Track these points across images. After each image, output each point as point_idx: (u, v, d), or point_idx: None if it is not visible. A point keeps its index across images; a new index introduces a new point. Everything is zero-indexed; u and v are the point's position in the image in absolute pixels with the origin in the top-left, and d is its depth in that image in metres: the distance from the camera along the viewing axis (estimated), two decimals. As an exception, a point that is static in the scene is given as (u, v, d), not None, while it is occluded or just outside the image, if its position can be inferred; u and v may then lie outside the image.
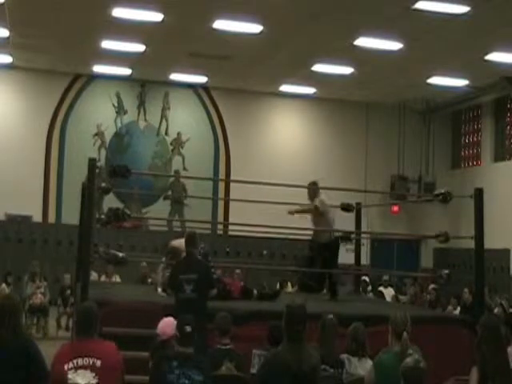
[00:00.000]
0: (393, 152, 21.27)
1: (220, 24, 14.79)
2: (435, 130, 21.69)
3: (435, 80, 18.37)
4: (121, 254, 8.89)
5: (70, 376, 4.64)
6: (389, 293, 15.60)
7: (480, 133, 21.08)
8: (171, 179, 20.64)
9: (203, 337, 6.49)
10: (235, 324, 6.83)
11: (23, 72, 19.30)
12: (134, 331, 7.22)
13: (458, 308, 13.77)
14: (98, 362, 4.68)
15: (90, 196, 8.11)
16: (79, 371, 4.65)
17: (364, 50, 15.93)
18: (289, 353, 4.76)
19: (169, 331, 5.85)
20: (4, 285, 14.59)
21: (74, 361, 4.68)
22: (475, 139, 21.40)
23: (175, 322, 5.66)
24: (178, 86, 20.40)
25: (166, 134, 20.64)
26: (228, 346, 6.43)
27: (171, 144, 20.62)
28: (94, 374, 4.65)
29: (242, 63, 17.73)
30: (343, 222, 11.20)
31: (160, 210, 19.58)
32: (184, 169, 20.42)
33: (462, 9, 13.32)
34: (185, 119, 20.77)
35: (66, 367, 4.67)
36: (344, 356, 6.40)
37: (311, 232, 10.57)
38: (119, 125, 20.30)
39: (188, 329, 5.24)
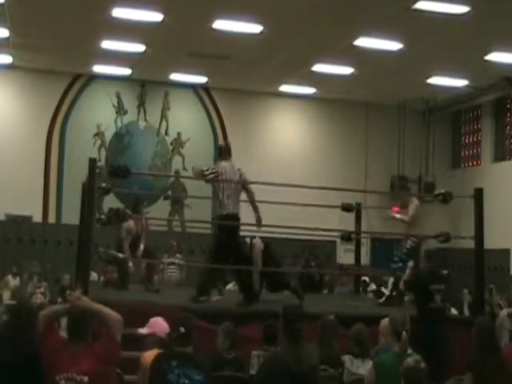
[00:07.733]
0: (393, 152, 21.23)
1: (220, 24, 14.79)
2: (435, 129, 21.66)
3: (435, 80, 18.35)
4: (121, 255, 8.90)
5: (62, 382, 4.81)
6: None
7: (480, 133, 21.06)
8: (171, 179, 20.63)
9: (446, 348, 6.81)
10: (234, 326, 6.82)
11: (23, 72, 19.26)
12: (134, 331, 7.21)
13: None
14: (86, 379, 4.78)
15: (90, 196, 8.11)
16: (69, 382, 4.80)
17: (364, 50, 15.92)
18: (288, 353, 4.77)
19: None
20: (10, 276, 14.53)
21: (64, 374, 4.79)
22: (475, 139, 21.38)
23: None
24: (177, 86, 20.38)
25: (166, 134, 20.61)
26: (232, 355, 6.42)
27: (171, 144, 20.60)
28: None
29: (242, 63, 17.72)
30: (343, 222, 11.20)
31: (160, 210, 19.56)
32: (184, 169, 20.38)
33: (462, 9, 13.31)
34: (185, 119, 20.75)
35: (57, 378, 4.80)
36: (346, 357, 6.39)
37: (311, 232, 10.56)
38: (119, 125, 20.28)
39: (182, 330, 5.24)
